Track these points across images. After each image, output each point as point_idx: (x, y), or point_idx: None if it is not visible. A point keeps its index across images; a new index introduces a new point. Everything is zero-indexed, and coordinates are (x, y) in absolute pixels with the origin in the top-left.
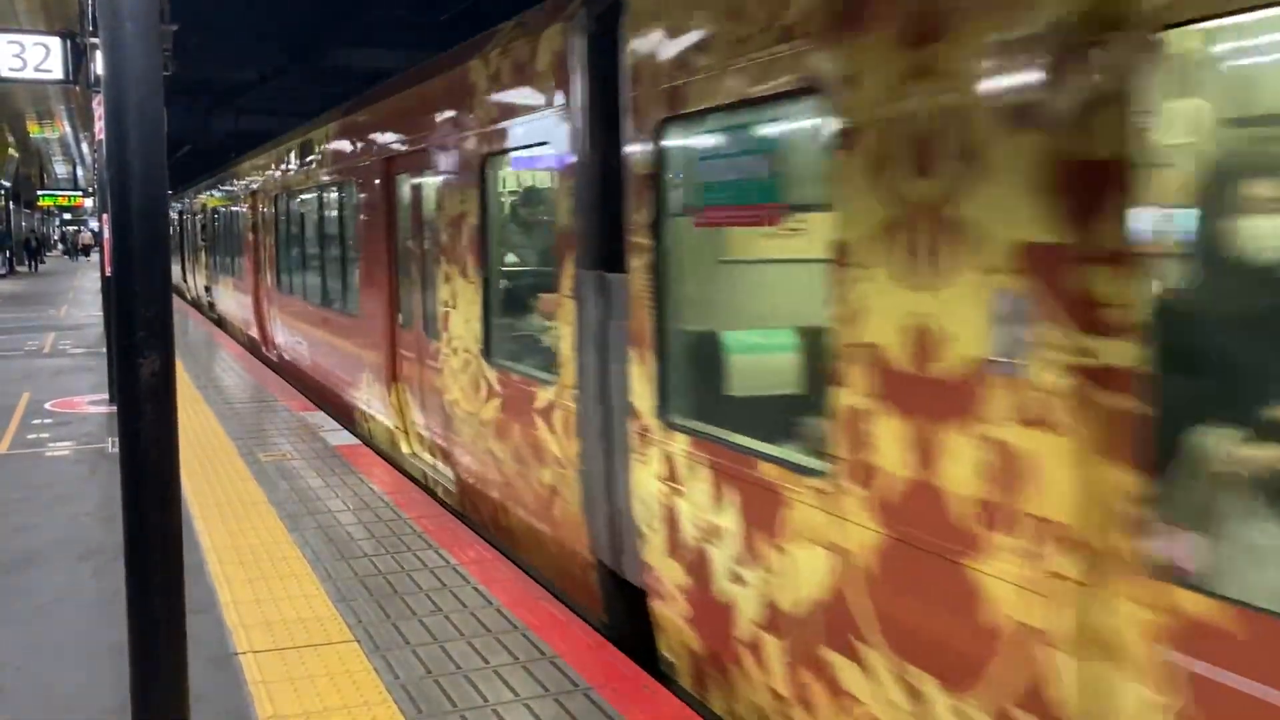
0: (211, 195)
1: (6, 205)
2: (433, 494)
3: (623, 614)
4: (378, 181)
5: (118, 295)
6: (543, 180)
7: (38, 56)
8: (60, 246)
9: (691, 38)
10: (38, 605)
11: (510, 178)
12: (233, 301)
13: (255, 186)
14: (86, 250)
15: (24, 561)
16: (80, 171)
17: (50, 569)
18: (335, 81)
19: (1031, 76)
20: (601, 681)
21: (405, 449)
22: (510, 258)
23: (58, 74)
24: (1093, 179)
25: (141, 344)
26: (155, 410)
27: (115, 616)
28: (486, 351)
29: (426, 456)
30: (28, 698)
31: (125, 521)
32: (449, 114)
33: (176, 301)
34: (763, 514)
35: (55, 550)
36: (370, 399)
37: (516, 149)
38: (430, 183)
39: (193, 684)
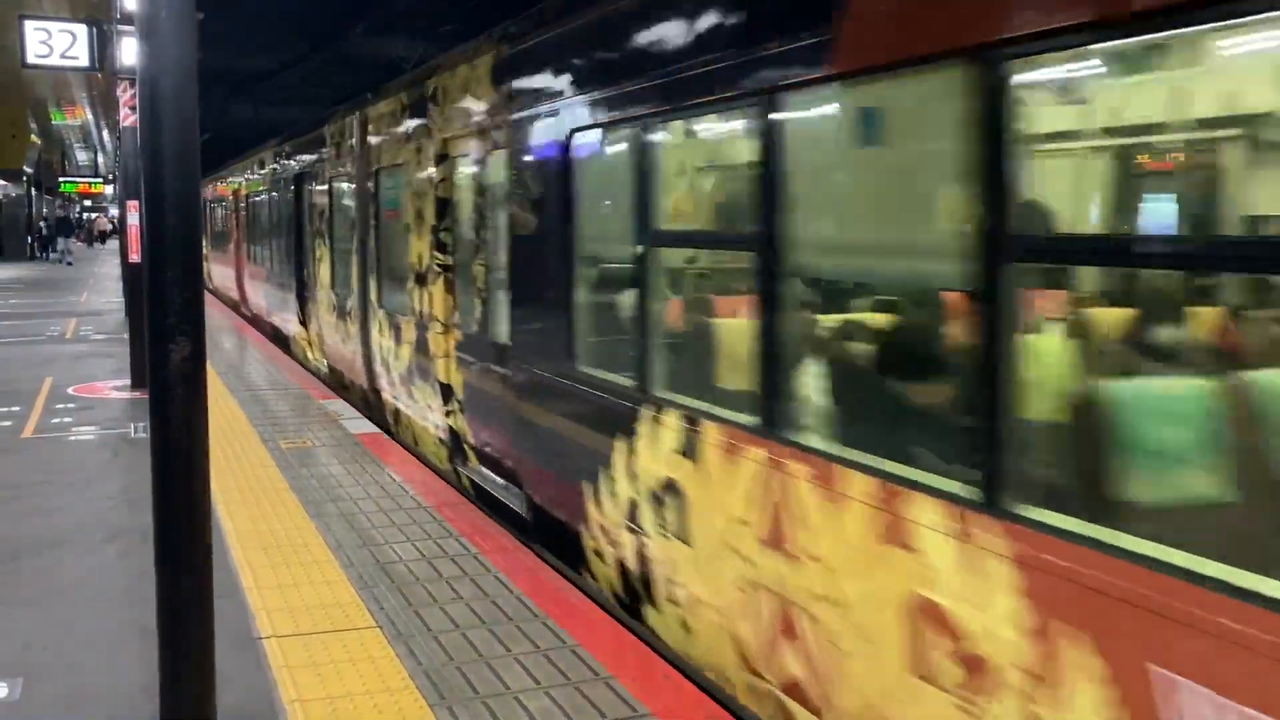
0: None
1: (29, 192)
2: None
3: None
4: None
5: (150, 281)
6: None
7: (64, 43)
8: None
9: None
10: (64, 587)
11: None
12: None
13: None
14: (103, 237)
15: (51, 544)
16: (101, 159)
17: (76, 551)
18: (355, 71)
19: None
20: (622, 670)
21: None
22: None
23: (84, 61)
24: None
25: (173, 329)
26: (186, 395)
27: (141, 598)
28: None
29: None
30: (55, 678)
31: (155, 503)
32: None
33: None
34: None
35: (81, 533)
36: None
37: None
38: None
39: (217, 666)
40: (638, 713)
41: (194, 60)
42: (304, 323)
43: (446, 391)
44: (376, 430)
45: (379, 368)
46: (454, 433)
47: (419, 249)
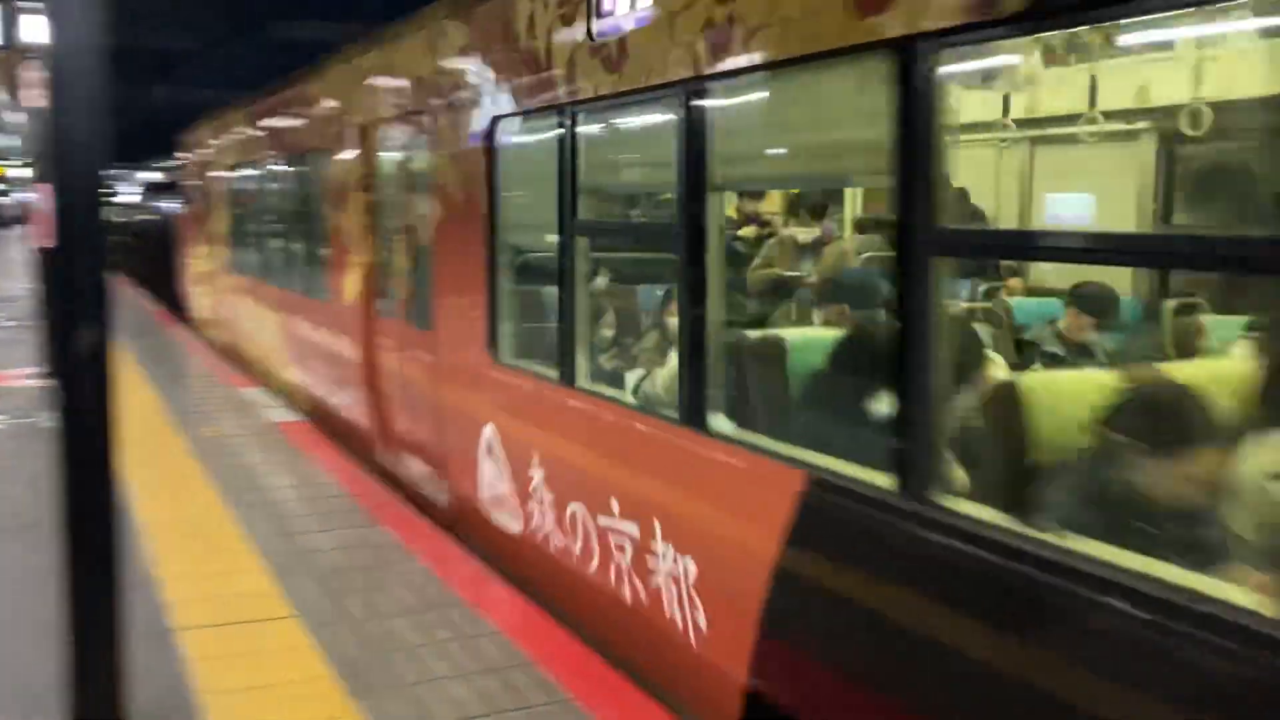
0: None
1: None
2: None
3: None
4: None
5: (56, 266)
6: None
7: None
8: None
9: None
10: None
11: None
12: None
13: None
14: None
15: None
16: (4, 139)
17: None
18: (278, 55)
19: None
20: (543, 656)
21: None
22: None
23: None
24: None
25: (79, 315)
26: (93, 382)
27: (51, 593)
28: None
29: None
30: None
31: (62, 494)
32: None
33: None
34: None
35: None
36: None
37: None
38: None
39: (131, 660)
40: (558, 698)
41: (101, 42)
42: None
43: None
44: (298, 418)
45: None
46: None
47: None
